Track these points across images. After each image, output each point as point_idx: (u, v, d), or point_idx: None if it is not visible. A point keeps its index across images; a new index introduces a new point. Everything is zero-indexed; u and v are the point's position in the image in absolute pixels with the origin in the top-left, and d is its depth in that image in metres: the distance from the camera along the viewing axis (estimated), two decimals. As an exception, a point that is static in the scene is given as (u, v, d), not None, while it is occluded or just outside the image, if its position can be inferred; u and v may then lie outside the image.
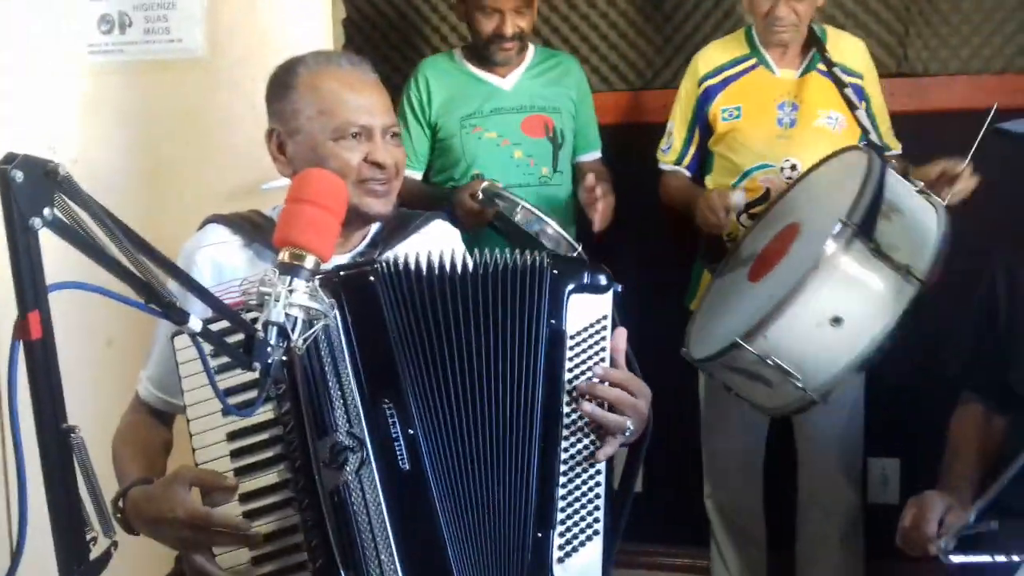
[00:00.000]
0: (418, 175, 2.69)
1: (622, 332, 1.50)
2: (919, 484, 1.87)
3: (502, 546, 1.40)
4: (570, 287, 1.47)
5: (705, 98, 2.51)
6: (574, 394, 1.44)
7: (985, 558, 1.52)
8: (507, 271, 1.47)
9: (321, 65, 1.67)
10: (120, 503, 1.50)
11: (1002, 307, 1.87)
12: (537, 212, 2.27)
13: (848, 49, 2.45)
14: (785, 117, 2.41)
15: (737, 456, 2.64)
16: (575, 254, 2.27)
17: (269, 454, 1.44)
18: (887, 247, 1.77)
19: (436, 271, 1.47)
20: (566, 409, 1.44)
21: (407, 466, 1.38)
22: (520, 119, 2.61)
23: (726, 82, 2.50)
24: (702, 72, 2.52)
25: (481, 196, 2.30)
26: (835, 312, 1.76)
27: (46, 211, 0.94)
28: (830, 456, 2.53)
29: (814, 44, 2.42)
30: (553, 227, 2.28)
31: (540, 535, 1.40)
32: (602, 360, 1.47)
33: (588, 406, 1.43)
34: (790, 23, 2.36)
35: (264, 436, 1.44)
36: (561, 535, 1.41)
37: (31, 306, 0.93)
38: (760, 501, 2.68)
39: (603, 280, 1.49)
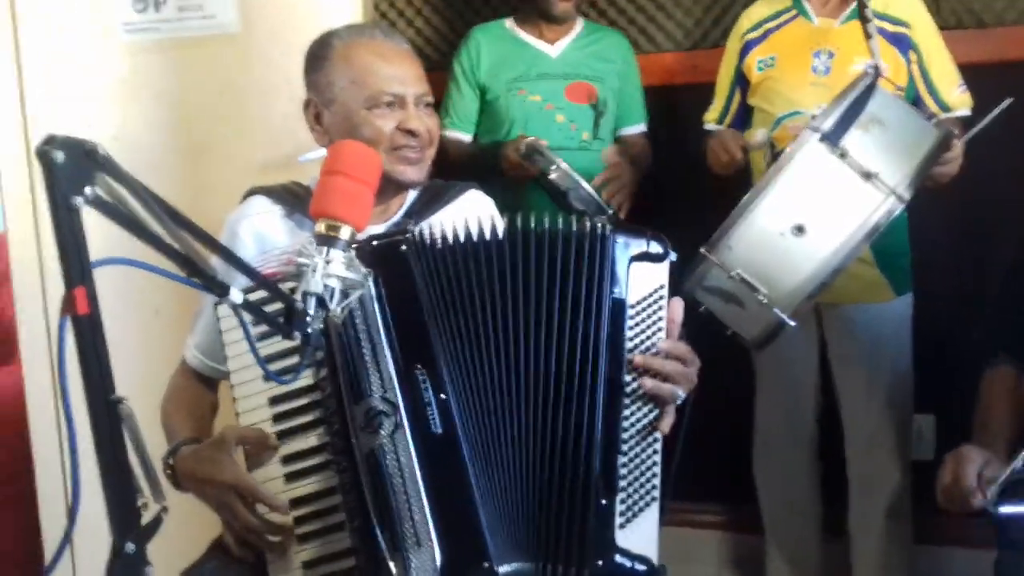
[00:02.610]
0: (467, 137, 2.78)
1: (679, 303, 1.50)
2: (955, 440, 1.88)
3: (558, 511, 1.43)
4: (632, 255, 1.48)
5: (744, 52, 2.50)
6: (634, 365, 1.46)
7: None
8: (564, 236, 1.48)
9: (354, 36, 1.71)
10: (170, 460, 1.57)
11: None
12: (572, 173, 2.31)
13: None
14: (820, 65, 2.37)
15: (784, 430, 2.63)
16: (605, 215, 2.30)
17: (308, 418, 1.49)
18: (857, 156, 1.73)
19: (474, 238, 1.49)
20: (627, 378, 1.46)
21: (439, 430, 1.42)
22: (564, 85, 2.67)
23: (765, 35, 2.48)
24: (745, 27, 2.52)
25: (523, 150, 2.37)
26: (798, 220, 1.73)
27: (87, 190, 0.96)
28: (873, 426, 2.51)
29: None
30: (586, 188, 2.31)
31: (604, 502, 1.43)
32: (659, 330, 1.48)
33: (649, 381, 1.45)
34: None
35: (304, 401, 1.49)
36: (622, 501, 1.44)
37: (77, 282, 0.96)
38: (813, 475, 2.66)
39: (662, 248, 1.50)
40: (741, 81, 2.53)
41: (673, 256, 1.51)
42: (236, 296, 1.12)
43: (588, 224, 1.48)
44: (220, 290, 1.11)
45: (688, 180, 2.63)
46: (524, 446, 1.45)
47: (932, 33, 2.39)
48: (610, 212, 2.34)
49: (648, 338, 1.48)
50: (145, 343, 2.14)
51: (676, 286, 1.52)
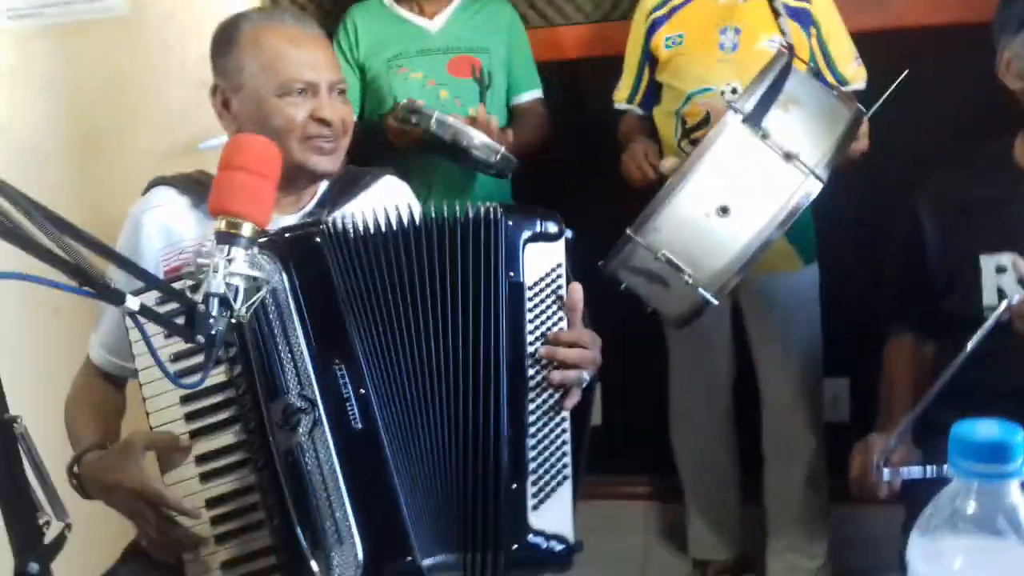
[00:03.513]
0: None
1: (578, 289, 1.49)
2: (869, 403, 1.92)
3: (472, 499, 1.43)
4: (525, 236, 1.47)
5: (651, 30, 2.50)
6: (535, 354, 1.45)
7: (916, 472, 1.53)
8: (461, 225, 1.46)
9: (265, 21, 1.67)
10: (75, 469, 1.52)
11: (928, 236, 1.87)
12: (451, 122, 2.25)
13: None
14: (727, 42, 2.39)
15: (700, 399, 2.67)
16: (498, 155, 2.27)
17: (223, 416, 1.46)
18: (778, 136, 1.76)
19: (383, 229, 1.46)
20: (529, 361, 1.45)
21: (359, 425, 1.40)
22: (446, 60, 2.60)
23: (671, 12, 2.48)
24: (650, 5, 2.52)
25: (400, 114, 2.31)
26: (722, 201, 1.76)
27: (-37, 203, 0.92)
28: (789, 392, 2.56)
29: None
30: (472, 135, 2.26)
31: (515, 486, 1.42)
32: (560, 309, 1.47)
33: (556, 374, 1.45)
34: None
35: (218, 399, 1.46)
36: (534, 483, 1.44)
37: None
38: (729, 441, 2.70)
39: (555, 227, 1.49)
40: (649, 59, 2.53)
41: (568, 233, 1.50)
42: (132, 303, 1.08)
43: (479, 210, 1.47)
44: (115, 298, 1.06)
45: (594, 156, 2.61)
46: (439, 437, 1.44)
47: (831, 7, 2.43)
48: (501, 150, 2.29)
49: (549, 318, 1.47)
50: (45, 344, 2.06)
51: (584, 265, 1.51)
